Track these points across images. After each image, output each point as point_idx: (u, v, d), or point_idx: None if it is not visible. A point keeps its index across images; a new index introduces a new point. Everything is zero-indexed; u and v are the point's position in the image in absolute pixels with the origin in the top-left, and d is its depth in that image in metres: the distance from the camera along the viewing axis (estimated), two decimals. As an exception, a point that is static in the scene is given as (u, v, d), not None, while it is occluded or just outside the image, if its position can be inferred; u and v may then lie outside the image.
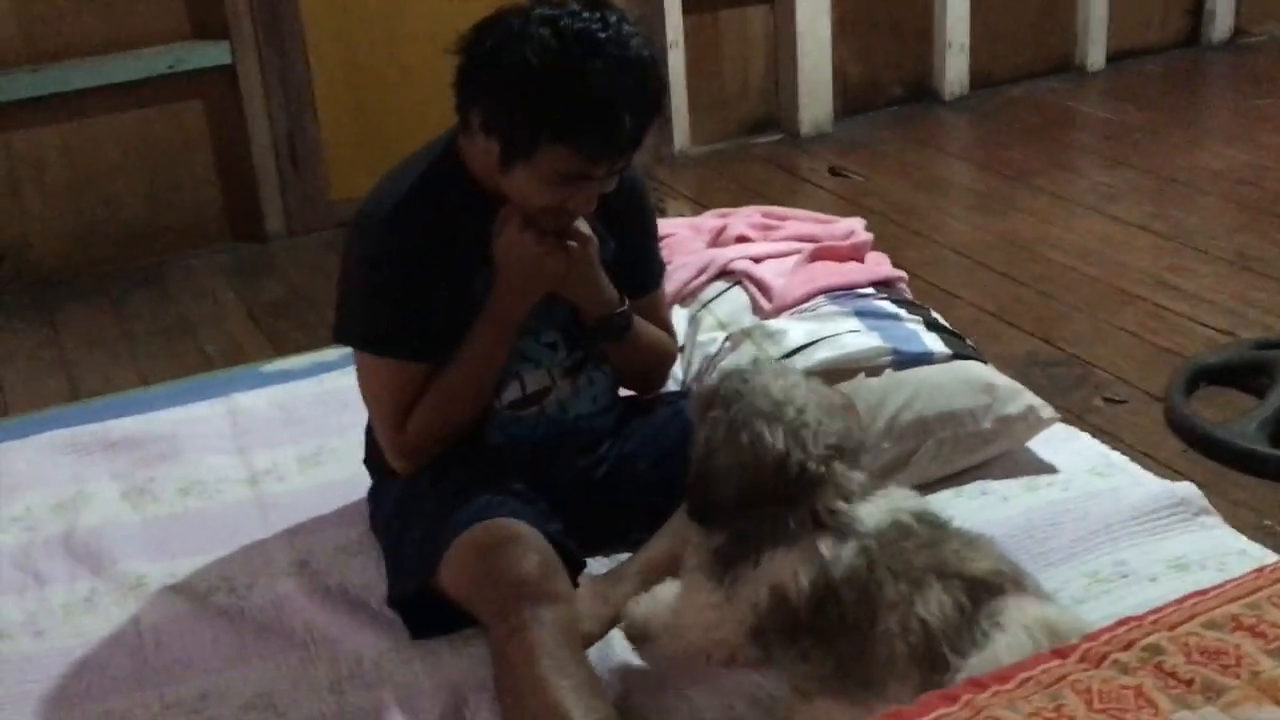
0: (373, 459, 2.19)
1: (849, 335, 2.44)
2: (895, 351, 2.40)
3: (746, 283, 2.72)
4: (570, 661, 1.72)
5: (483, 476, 1.98)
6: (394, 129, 3.88)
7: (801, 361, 2.34)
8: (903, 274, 2.79)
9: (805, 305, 2.60)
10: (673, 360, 2.24)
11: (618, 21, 1.79)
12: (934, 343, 2.45)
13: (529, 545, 1.81)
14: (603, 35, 1.76)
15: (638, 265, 2.12)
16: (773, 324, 2.50)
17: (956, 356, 2.43)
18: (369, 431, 2.18)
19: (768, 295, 2.65)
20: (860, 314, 2.52)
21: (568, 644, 1.74)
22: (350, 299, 2.00)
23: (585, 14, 1.77)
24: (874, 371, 2.35)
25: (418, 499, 2.00)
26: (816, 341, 2.39)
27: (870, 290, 2.64)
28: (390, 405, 1.98)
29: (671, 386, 2.49)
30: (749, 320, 2.61)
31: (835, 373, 2.29)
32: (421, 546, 1.91)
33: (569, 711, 1.66)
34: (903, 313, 2.56)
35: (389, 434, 2.00)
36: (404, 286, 1.92)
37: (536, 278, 1.93)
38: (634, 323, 2.06)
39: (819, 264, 2.74)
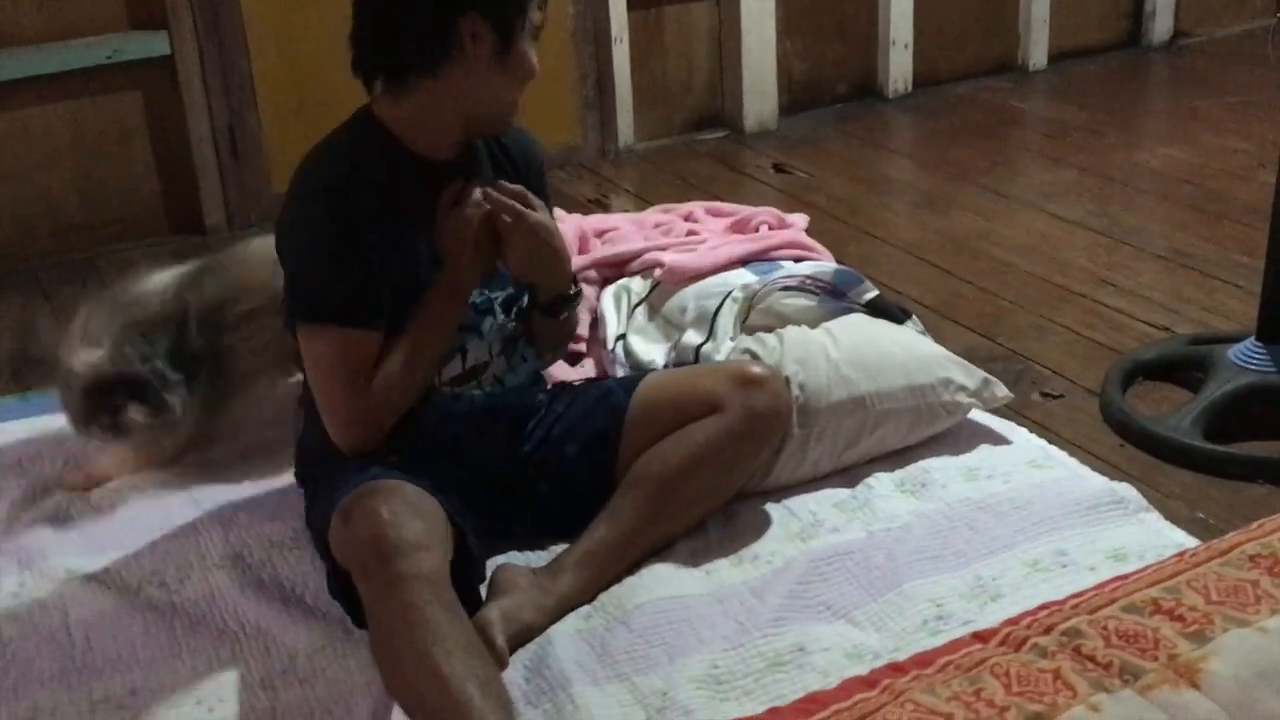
0: (304, 471, 2.16)
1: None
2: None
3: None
4: (443, 620, 1.69)
5: (388, 452, 1.98)
6: (335, 122, 3.83)
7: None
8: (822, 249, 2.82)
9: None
10: (574, 333, 2.32)
11: None
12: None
13: (386, 495, 1.78)
14: None
15: None
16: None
17: (875, 308, 2.48)
18: (300, 445, 2.16)
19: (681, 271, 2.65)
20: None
21: (435, 598, 1.70)
22: (298, 277, 1.99)
23: None
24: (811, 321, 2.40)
25: (330, 481, 1.98)
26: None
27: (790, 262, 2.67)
28: (346, 375, 1.95)
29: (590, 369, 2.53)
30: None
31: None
32: (323, 521, 1.90)
33: (450, 678, 1.62)
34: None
35: (347, 402, 1.96)
36: (347, 253, 1.92)
37: (473, 253, 1.97)
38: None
39: (735, 235, 2.77)
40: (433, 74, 1.94)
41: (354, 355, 1.95)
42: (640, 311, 2.62)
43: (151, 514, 2.28)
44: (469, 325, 2.05)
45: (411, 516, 1.77)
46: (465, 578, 1.91)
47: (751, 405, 2.04)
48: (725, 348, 2.38)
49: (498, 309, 2.08)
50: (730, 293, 2.48)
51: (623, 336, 2.57)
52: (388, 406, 1.97)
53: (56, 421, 2.43)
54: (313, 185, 1.98)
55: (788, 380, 2.21)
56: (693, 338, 2.45)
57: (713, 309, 2.47)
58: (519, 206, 1.97)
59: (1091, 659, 1.10)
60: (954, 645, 1.12)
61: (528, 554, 2.09)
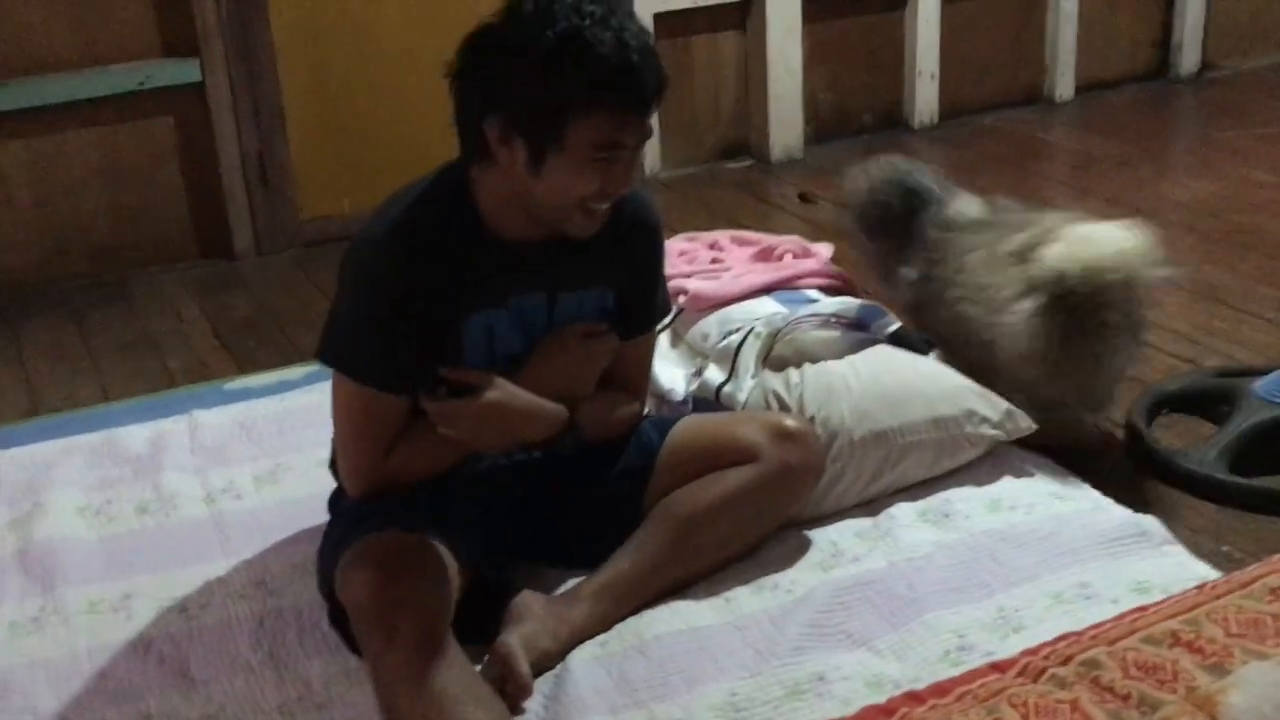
0: (332, 498, 2.14)
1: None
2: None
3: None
4: (442, 678, 1.69)
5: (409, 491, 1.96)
6: (364, 149, 3.88)
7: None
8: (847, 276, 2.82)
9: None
10: (637, 420, 2.16)
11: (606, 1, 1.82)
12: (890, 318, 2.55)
13: (378, 556, 1.78)
14: (600, 10, 1.79)
15: (633, 310, 2.08)
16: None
17: (898, 340, 2.47)
18: (333, 469, 2.12)
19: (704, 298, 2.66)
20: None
21: (428, 656, 1.70)
22: (340, 320, 1.94)
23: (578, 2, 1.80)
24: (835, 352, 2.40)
25: (340, 522, 1.98)
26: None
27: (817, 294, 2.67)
28: (367, 433, 1.93)
29: None
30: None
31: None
32: (331, 555, 1.90)
33: None
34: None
35: (359, 459, 1.94)
36: (395, 316, 1.87)
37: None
38: (585, 429, 2.02)
39: (759, 264, 2.78)
40: (479, 163, 1.88)
41: (374, 415, 1.92)
42: (663, 338, 2.63)
43: (176, 540, 2.29)
44: None
45: (403, 574, 1.77)
46: (484, 610, 1.92)
47: (787, 459, 2.05)
48: (747, 386, 2.39)
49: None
50: (753, 328, 2.48)
51: (645, 363, 2.57)
52: (394, 483, 1.95)
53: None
54: (388, 241, 1.88)
55: (812, 419, 2.21)
56: (714, 375, 2.45)
57: (735, 344, 2.47)
58: (446, 407, 1.88)
59: (1110, 690, 1.10)
60: (971, 675, 1.12)
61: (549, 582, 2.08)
